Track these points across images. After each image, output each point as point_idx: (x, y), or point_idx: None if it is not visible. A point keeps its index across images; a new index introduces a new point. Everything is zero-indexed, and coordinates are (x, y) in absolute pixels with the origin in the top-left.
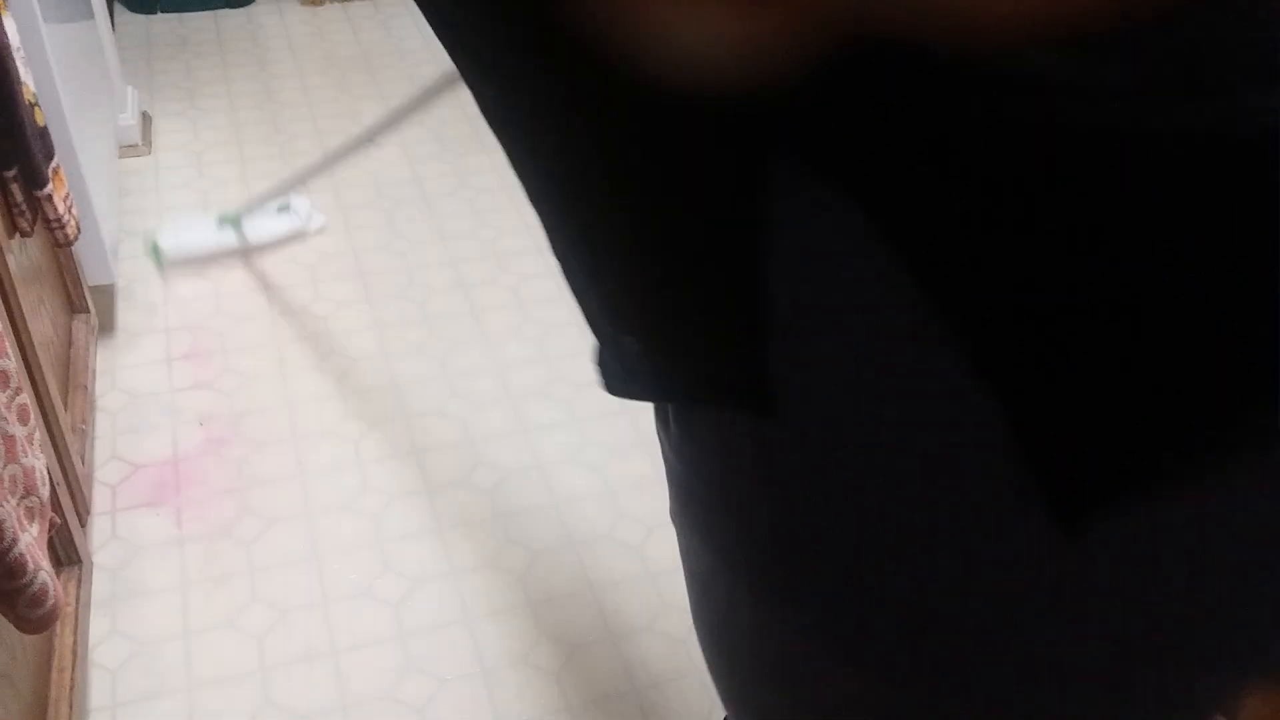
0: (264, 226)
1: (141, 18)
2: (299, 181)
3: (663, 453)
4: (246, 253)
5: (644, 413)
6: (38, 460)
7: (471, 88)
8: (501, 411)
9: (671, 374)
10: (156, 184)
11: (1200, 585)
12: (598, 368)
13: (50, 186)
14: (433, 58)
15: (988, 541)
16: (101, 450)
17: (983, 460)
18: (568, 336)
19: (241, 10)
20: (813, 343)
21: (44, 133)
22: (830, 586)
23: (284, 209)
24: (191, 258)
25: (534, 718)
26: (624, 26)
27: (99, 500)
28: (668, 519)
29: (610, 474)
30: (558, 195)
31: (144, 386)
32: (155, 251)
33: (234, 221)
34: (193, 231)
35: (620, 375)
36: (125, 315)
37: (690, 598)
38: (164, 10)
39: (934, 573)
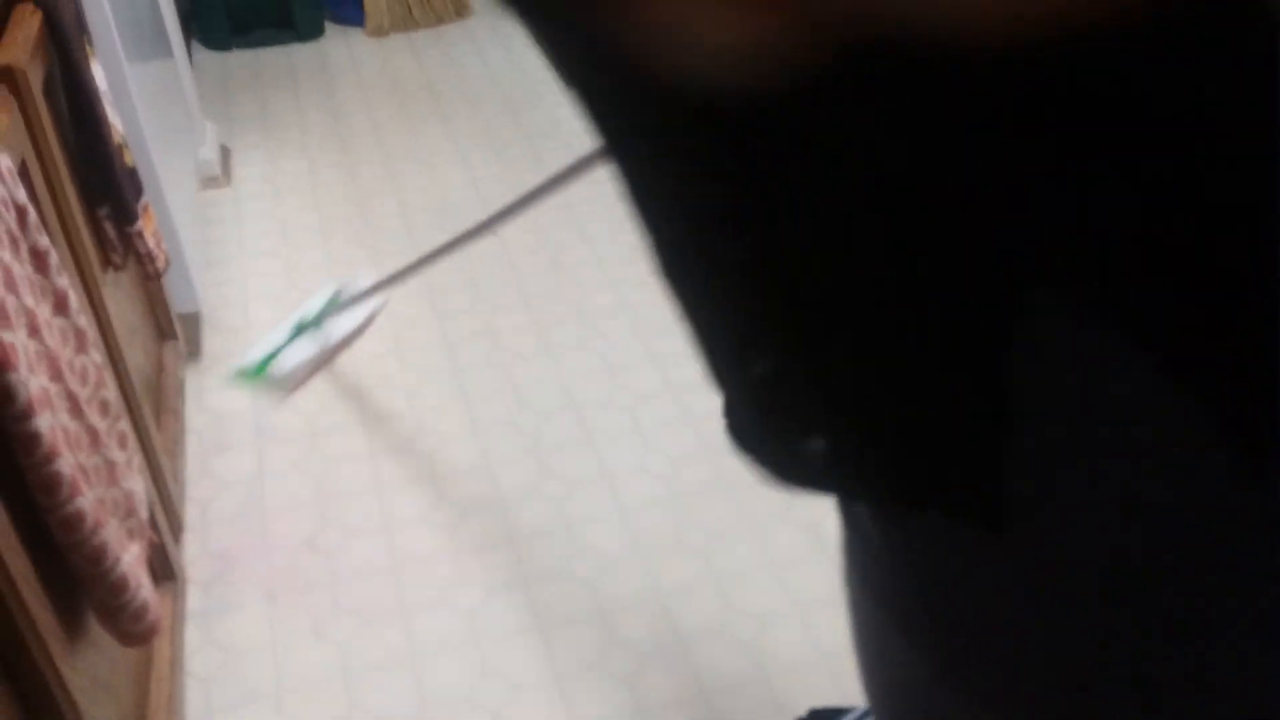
0: (341, 322)
1: (218, 54)
2: (371, 290)
3: (845, 538)
4: (337, 351)
5: (706, 422)
6: (136, 483)
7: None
8: (566, 422)
9: (873, 477)
10: (237, 214)
11: None
12: (753, 456)
13: (140, 223)
14: (492, 84)
15: (1258, 670)
16: (192, 469)
17: (1259, 586)
18: (630, 349)
19: (311, 44)
20: (1064, 457)
21: (132, 172)
22: (1060, 708)
23: (346, 298)
24: (294, 373)
25: None
26: (642, 34)
27: (190, 516)
28: (733, 525)
29: (675, 482)
30: (787, 301)
31: (229, 407)
32: (253, 376)
33: (312, 326)
34: (280, 346)
35: (792, 467)
36: (210, 340)
37: (868, 673)
38: (239, 47)
39: (1187, 702)
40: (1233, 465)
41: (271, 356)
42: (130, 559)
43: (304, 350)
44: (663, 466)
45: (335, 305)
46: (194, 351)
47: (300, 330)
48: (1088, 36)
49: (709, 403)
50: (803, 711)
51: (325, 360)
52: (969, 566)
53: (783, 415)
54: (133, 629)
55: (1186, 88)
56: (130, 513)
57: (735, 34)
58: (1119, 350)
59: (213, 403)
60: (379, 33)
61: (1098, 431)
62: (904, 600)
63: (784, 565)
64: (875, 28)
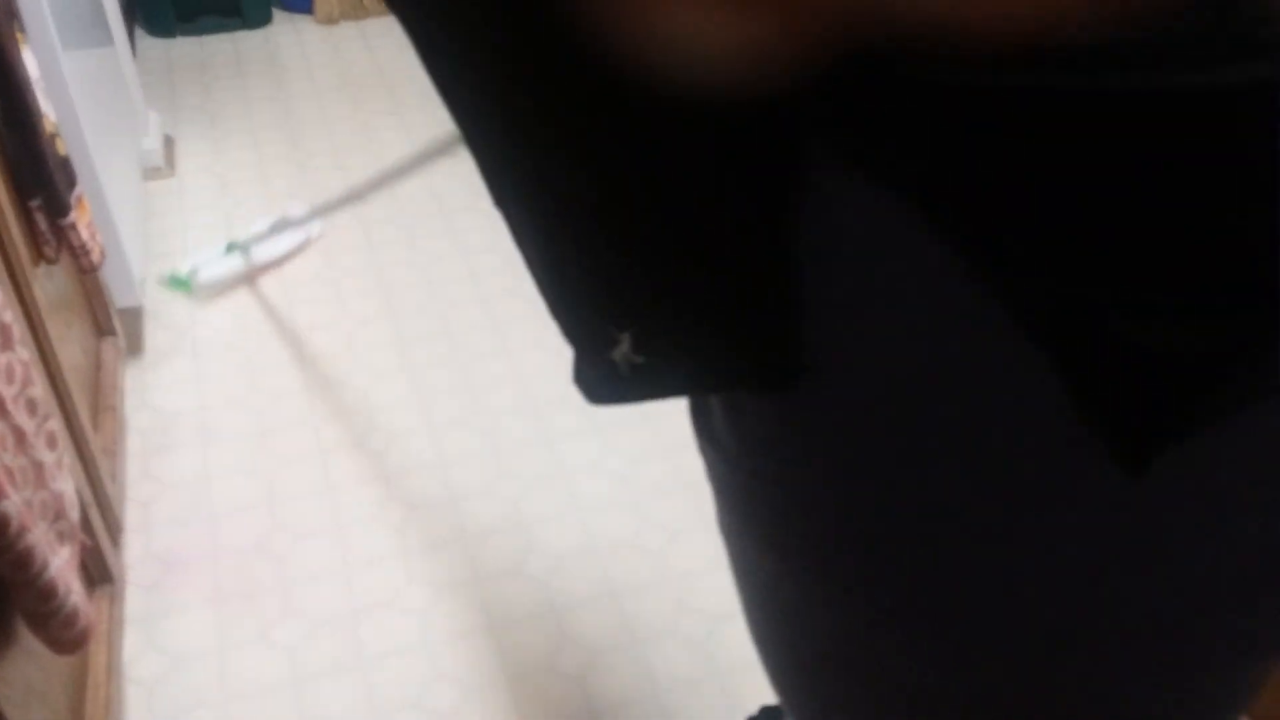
0: (270, 246)
1: (162, 42)
2: (308, 217)
3: (709, 465)
4: (261, 272)
5: (664, 419)
6: (67, 484)
7: (456, 97)
8: (523, 421)
9: (684, 367)
10: (181, 205)
11: (1272, 521)
12: (578, 383)
13: (73, 215)
14: None
15: (1054, 499)
16: (133, 469)
17: (1039, 415)
18: None
19: (259, 31)
20: (853, 320)
21: (65, 163)
22: (900, 573)
23: (281, 226)
24: (216, 284)
25: None
26: (627, 31)
27: (132, 518)
28: (689, 524)
29: (632, 481)
30: (567, 195)
31: (173, 405)
32: (179, 284)
33: (242, 248)
34: (209, 261)
35: (607, 383)
36: (153, 336)
37: (748, 606)
38: (184, 34)
39: (1003, 543)
40: (993, 319)
41: (196, 266)
42: (60, 563)
43: (229, 265)
44: (619, 465)
45: (270, 230)
46: (135, 347)
47: (231, 249)
48: (1083, 40)
49: (667, 403)
50: (754, 710)
51: (247, 277)
52: (789, 445)
53: (597, 320)
54: (63, 635)
55: (1182, 90)
56: (60, 515)
57: (733, 36)
58: (889, 206)
59: (156, 401)
60: (329, 20)
61: (875, 288)
62: (754, 503)
63: None
64: (876, 31)
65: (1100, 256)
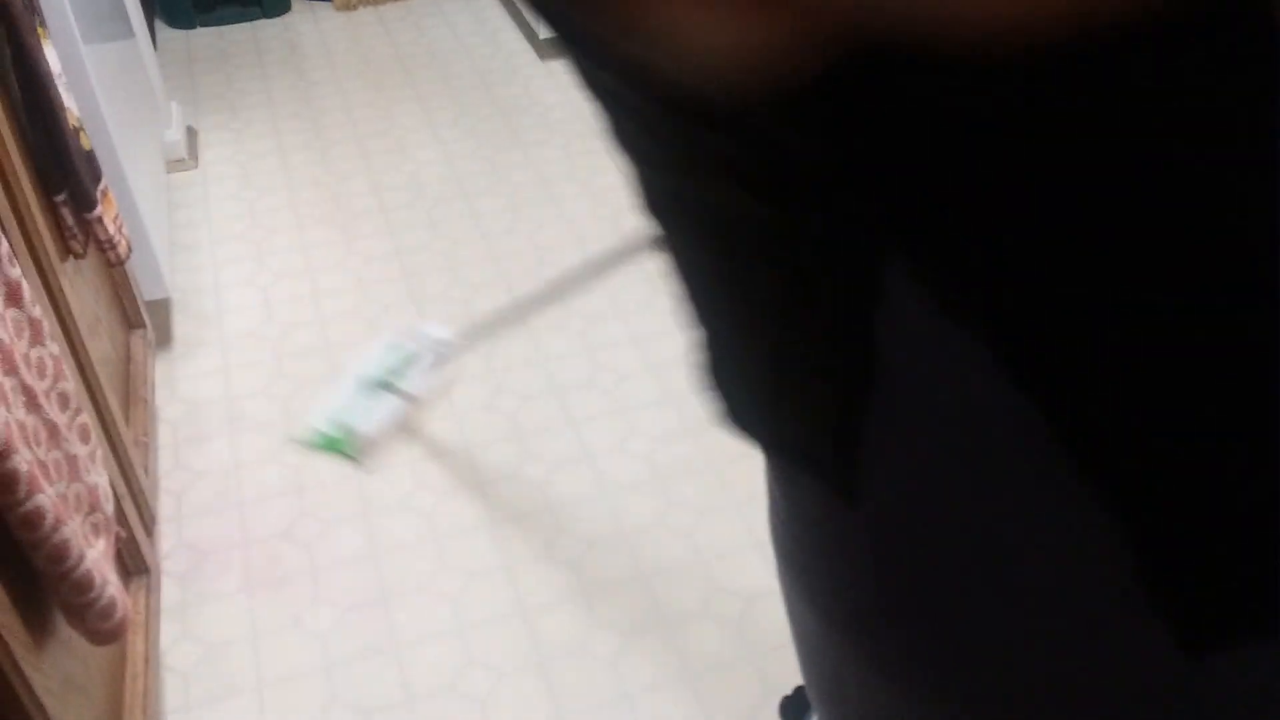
0: (418, 376)
1: (182, 32)
2: (451, 345)
3: (770, 522)
4: (420, 403)
5: (687, 400)
6: (100, 477)
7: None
8: (547, 405)
9: (763, 433)
10: (205, 196)
11: None
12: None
13: (99, 209)
14: (464, 57)
15: (1102, 648)
16: (165, 460)
17: (1100, 574)
18: (610, 329)
19: (278, 20)
20: (919, 436)
21: (90, 156)
22: (938, 666)
23: (418, 352)
24: (380, 436)
25: (591, 706)
26: (635, 31)
27: (165, 508)
28: (717, 504)
29: (657, 462)
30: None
31: (203, 395)
32: (333, 445)
33: (386, 385)
34: (351, 408)
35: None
36: (181, 327)
37: (795, 640)
38: (203, 24)
39: (1041, 670)
40: (1040, 450)
41: (342, 417)
42: (95, 555)
43: (381, 410)
44: (644, 447)
45: (406, 360)
46: (164, 339)
47: (368, 387)
48: (1091, 39)
49: (689, 381)
50: (789, 690)
51: (407, 421)
52: (838, 524)
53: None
54: (100, 627)
55: (1185, 91)
56: (94, 508)
57: (732, 37)
58: (959, 336)
59: (186, 392)
60: (347, 7)
61: (941, 412)
62: (798, 564)
63: (768, 544)
64: (879, 31)
65: (1103, 261)
